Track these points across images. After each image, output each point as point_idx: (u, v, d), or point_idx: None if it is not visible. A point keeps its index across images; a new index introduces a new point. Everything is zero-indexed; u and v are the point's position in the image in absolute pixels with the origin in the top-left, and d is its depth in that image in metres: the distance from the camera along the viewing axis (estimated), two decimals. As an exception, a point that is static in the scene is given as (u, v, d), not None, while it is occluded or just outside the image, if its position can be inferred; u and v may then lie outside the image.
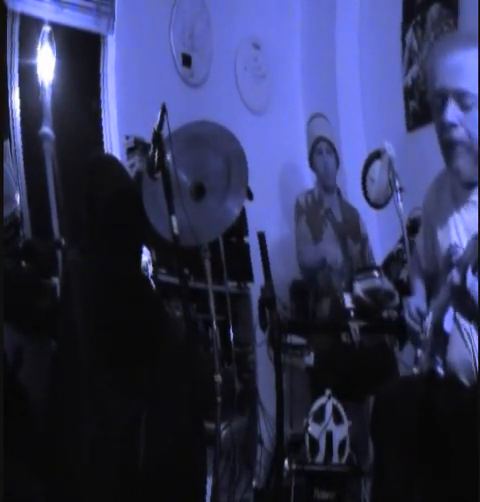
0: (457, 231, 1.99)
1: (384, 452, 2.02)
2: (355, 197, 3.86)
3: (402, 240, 2.83)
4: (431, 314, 2.00)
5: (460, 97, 1.90)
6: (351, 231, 3.99)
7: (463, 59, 1.90)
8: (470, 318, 1.89)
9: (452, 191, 2.05)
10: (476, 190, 1.96)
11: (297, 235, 4.02)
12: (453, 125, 1.90)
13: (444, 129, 1.93)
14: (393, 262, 3.07)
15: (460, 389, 1.92)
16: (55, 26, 3.09)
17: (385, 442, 2.01)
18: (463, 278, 1.77)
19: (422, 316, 2.04)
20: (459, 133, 1.91)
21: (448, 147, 1.94)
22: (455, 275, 1.80)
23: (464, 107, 1.90)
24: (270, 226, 3.71)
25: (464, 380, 1.93)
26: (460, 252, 1.84)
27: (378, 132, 4.16)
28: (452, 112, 1.90)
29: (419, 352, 2.05)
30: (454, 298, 1.86)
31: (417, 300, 2.11)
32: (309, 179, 4.41)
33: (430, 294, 2.13)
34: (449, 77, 1.90)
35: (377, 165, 3.01)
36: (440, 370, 1.89)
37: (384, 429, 2.00)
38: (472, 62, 1.88)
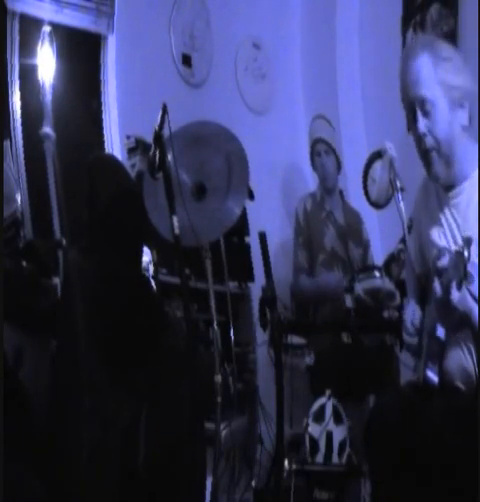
0: (445, 236, 2.04)
1: (379, 468, 2.03)
2: (356, 197, 3.86)
3: (403, 240, 2.83)
4: (425, 321, 2.00)
5: (421, 105, 1.99)
6: (353, 235, 3.98)
7: (418, 66, 1.99)
8: (453, 330, 1.90)
9: (437, 196, 2.10)
10: (456, 190, 2.03)
11: (294, 261, 3.96)
12: (423, 134, 2.00)
13: (418, 140, 2.03)
14: (394, 262, 3.07)
15: (456, 396, 1.93)
16: (55, 26, 3.09)
17: (379, 460, 2.02)
18: (446, 293, 1.80)
19: (418, 330, 2.05)
20: (429, 141, 2.00)
21: (423, 156, 2.04)
22: (438, 288, 1.83)
23: (425, 114, 1.99)
24: (271, 226, 3.71)
25: (460, 386, 1.94)
26: (446, 258, 1.86)
27: (379, 132, 4.15)
28: (421, 122, 2.00)
29: (416, 360, 2.06)
30: (438, 311, 1.88)
31: (412, 313, 2.12)
32: (310, 179, 4.42)
33: (425, 299, 2.14)
34: (412, 87, 2.01)
35: (378, 165, 3.01)
36: (434, 377, 1.89)
37: (378, 447, 2.01)
38: (426, 67, 1.98)
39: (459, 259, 1.76)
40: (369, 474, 2.27)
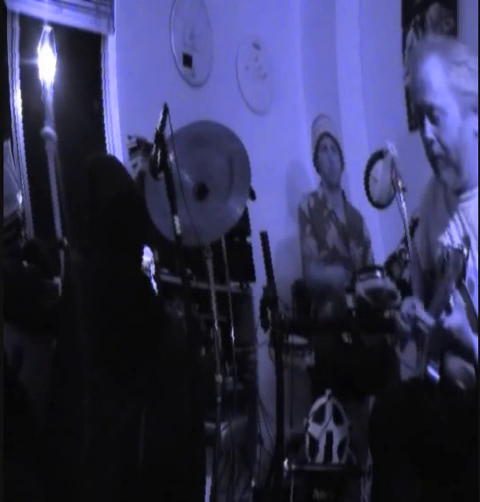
0: (451, 236, 2.02)
1: (382, 461, 2.04)
2: (358, 197, 3.86)
3: (404, 240, 2.84)
4: (430, 317, 2.00)
5: (429, 111, 1.94)
6: (354, 234, 3.98)
7: (426, 71, 1.93)
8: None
9: (445, 197, 2.09)
10: (466, 194, 2.00)
11: (303, 250, 3.96)
12: (431, 141, 1.96)
13: (425, 145, 1.99)
14: (395, 262, 3.06)
15: (457, 394, 1.93)
16: (55, 26, 3.08)
17: (383, 452, 2.02)
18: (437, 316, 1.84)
19: (412, 320, 2.02)
20: (436, 148, 1.96)
21: (431, 161, 2.00)
22: (427, 318, 1.88)
23: (433, 121, 1.94)
24: (273, 226, 3.70)
25: (461, 386, 1.94)
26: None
27: (380, 132, 4.16)
28: (428, 128, 1.95)
29: (418, 354, 2.06)
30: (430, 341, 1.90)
31: (411, 303, 2.09)
32: (312, 178, 4.42)
33: (430, 295, 2.13)
34: (419, 92, 1.95)
35: (380, 165, 3.01)
36: (435, 374, 1.89)
37: (381, 438, 2.01)
38: (435, 73, 1.92)
39: (458, 257, 1.79)
40: (372, 463, 2.27)
